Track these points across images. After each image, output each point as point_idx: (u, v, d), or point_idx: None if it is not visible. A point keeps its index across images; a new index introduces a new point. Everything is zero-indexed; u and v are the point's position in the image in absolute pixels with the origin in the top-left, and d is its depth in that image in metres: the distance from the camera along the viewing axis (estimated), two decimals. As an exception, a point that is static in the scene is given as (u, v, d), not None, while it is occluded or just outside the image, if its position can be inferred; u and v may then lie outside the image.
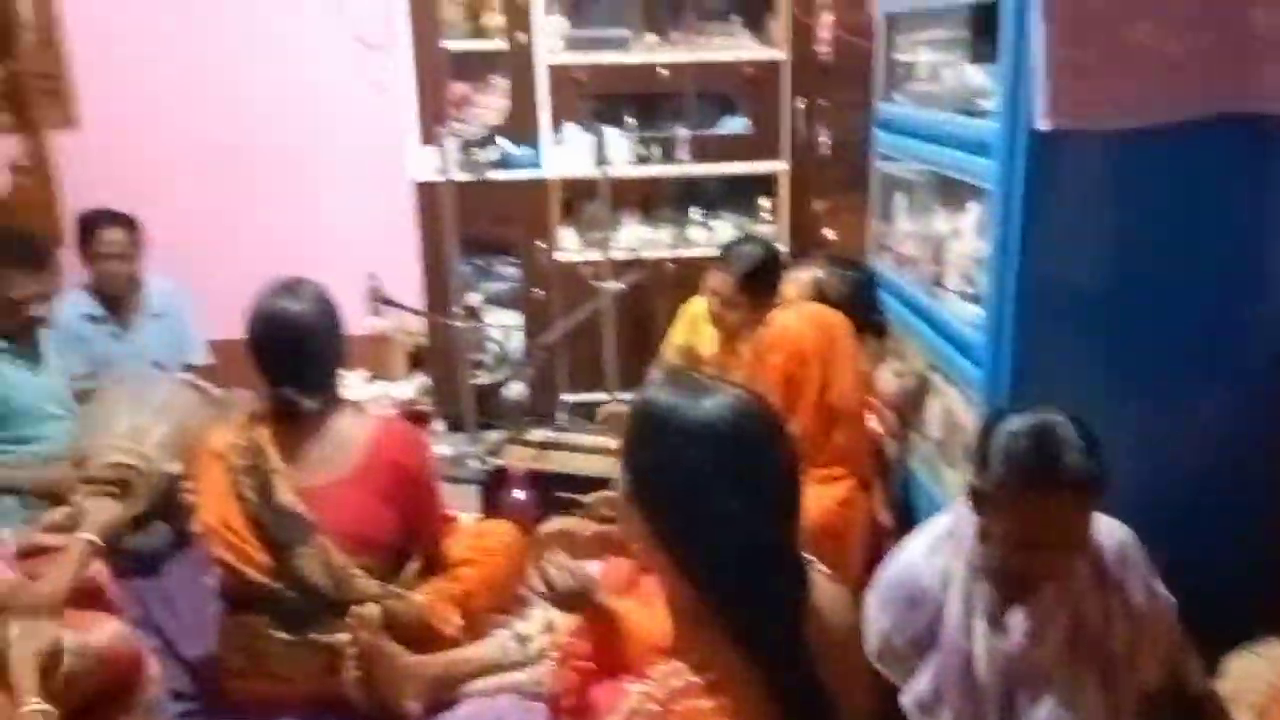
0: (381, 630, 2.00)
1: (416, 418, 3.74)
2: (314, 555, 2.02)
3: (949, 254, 2.43)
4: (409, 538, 2.18)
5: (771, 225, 3.85)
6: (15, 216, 3.75)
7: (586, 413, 3.74)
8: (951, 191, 2.45)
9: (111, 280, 3.27)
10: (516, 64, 3.64)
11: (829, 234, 3.67)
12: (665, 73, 3.66)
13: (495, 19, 3.70)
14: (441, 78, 3.69)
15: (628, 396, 3.43)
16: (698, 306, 3.04)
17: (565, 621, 2.05)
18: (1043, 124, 1.82)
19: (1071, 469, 1.48)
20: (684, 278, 3.57)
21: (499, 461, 3.05)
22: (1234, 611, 1.80)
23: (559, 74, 3.65)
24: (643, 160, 3.76)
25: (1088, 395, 1.71)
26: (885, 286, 2.78)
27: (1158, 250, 1.97)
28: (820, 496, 2.17)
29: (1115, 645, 1.61)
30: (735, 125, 3.82)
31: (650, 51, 3.73)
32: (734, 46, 3.74)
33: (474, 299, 3.94)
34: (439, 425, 3.83)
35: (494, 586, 2.31)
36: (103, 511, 2.10)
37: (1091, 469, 1.48)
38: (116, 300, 3.31)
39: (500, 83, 3.78)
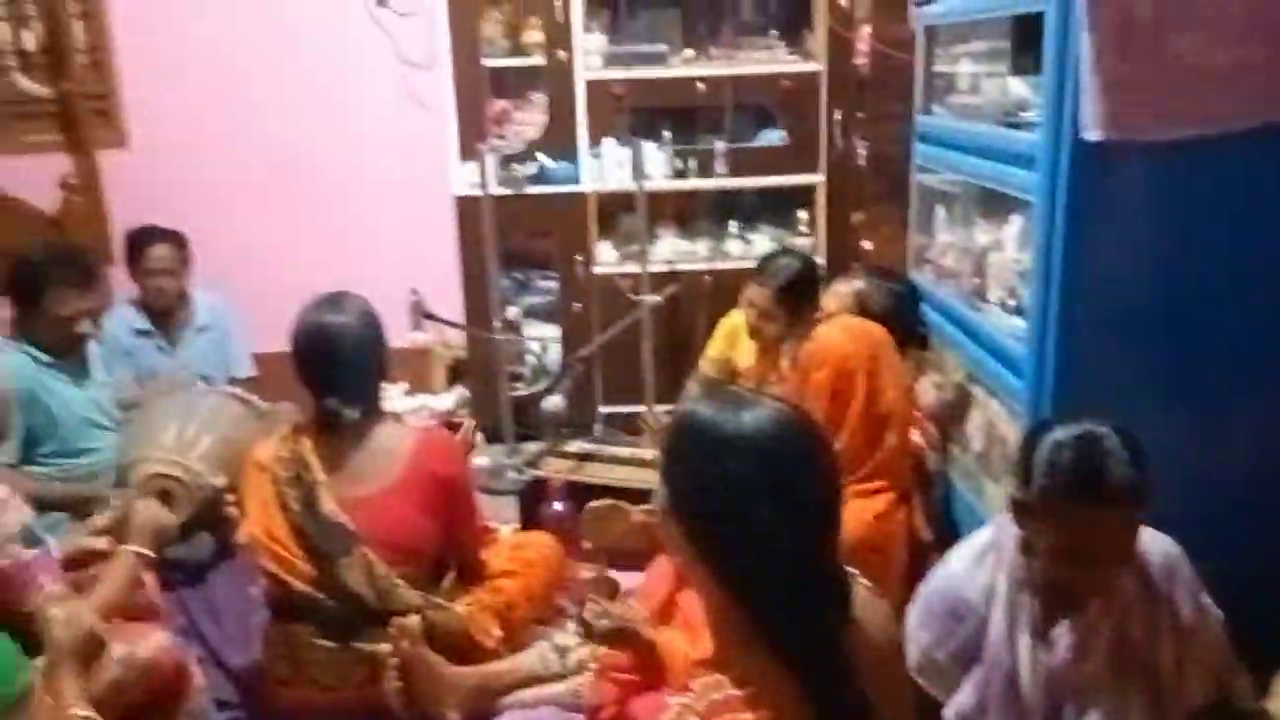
0: (422, 640, 2.01)
1: (455, 429, 3.77)
2: (356, 565, 2.05)
3: (990, 266, 2.42)
4: (448, 548, 2.20)
5: (809, 238, 3.85)
6: (66, 233, 3.84)
7: (624, 425, 3.76)
8: (993, 203, 2.44)
9: (159, 295, 3.34)
10: (555, 80, 3.67)
11: (866, 246, 3.66)
12: (702, 87, 3.67)
13: (534, 36, 3.74)
14: (481, 94, 3.73)
15: (668, 409, 3.44)
16: (735, 319, 3.04)
17: (604, 634, 2.06)
18: (1088, 135, 1.81)
19: (1117, 481, 1.46)
20: (721, 290, 3.57)
21: (537, 473, 3.07)
22: (1285, 628, 1.77)
23: (597, 89, 3.67)
24: (680, 174, 3.77)
25: (1132, 406, 1.69)
26: (925, 299, 2.77)
27: (1202, 261, 1.95)
28: (861, 510, 2.16)
29: (1162, 660, 1.59)
30: (772, 138, 3.82)
31: (688, 66, 3.75)
32: (771, 60, 3.75)
33: (513, 312, 3.97)
34: (478, 437, 3.86)
35: (534, 598, 2.32)
36: (150, 518, 2.13)
37: (1137, 481, 1.46)
38: (164, 315, 3.38)
39: (539, 98, 3.81)
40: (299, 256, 3.95)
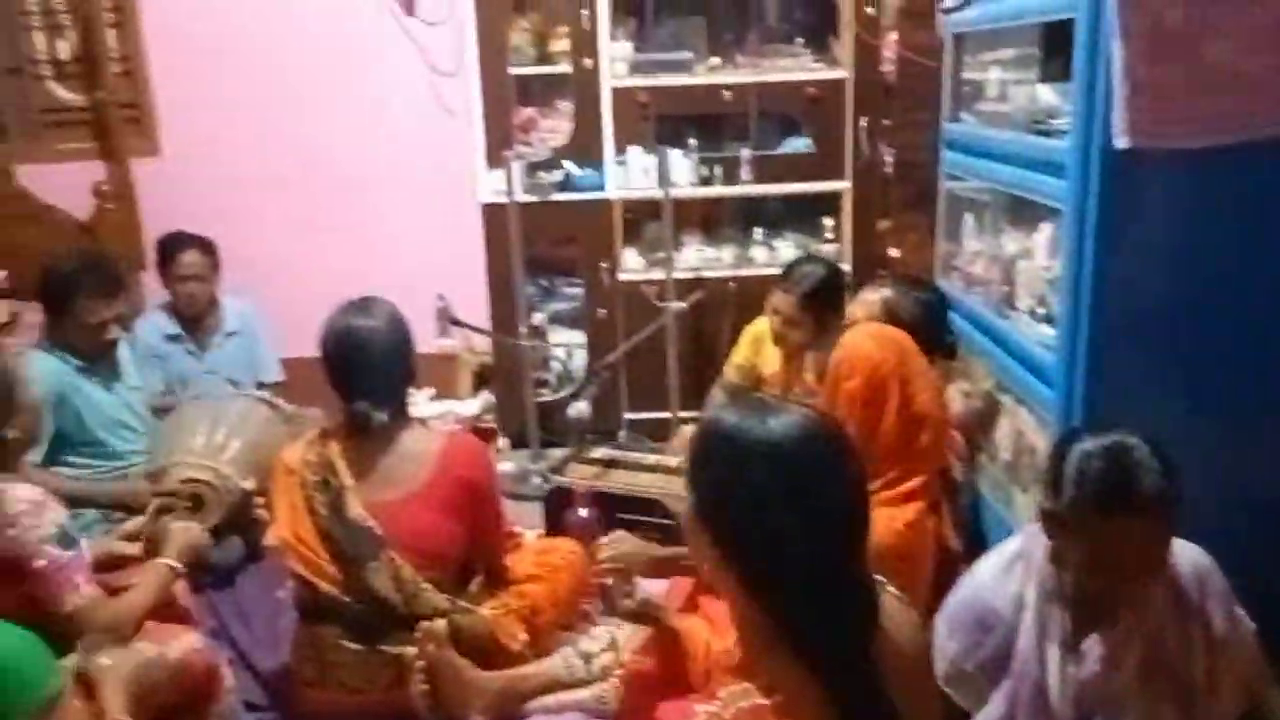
0: (448, 644, 2.02)
1: (481, 435, 3.78)
2: (383, 569, 2.06)
3: (1020, 274, 2.41)
4: (474, 553, 2.21)
5: (834, 244, 3.84)
6: (99, 240, 3.89)
7: (648, 431, 3.76)
8: (1022, 211, 2.43)
9: (189, 301, 3.38)
10: (582, 87, 3.69)
11: (892, 253, 3.64)
12: (728, 94, 3.68)
13: (561, 44, 3.76)
14: (508, 102, 3.75)
15: (692, 415, 3.44)
16: (760, 326, 3.03)
17: (629, 640, 2.06)
18: (1119, 143, 1.80)
19: (1148, 492, 1.44)
20: (746, 297, 3.57)
21: (561, 479, 3.07)
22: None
23: (623, 97, 3.68)
24: (705, 181, 3.77)
25: (1162, 415, 1.68)
26: (953, 307, 2.75)
27: (1234, 268, 1.93)
28: (890, 518, 2.15)
29: (1194, 673, 1.57)
30: (798, 145, 3.81)
31: (713, 73, 3.76)
32: (796, 68, 3.75)
33: (538, 318, 3.99)
34: (502, 442, 3.87)
35: (559, 603, 2.33)
36: (190, 539, 2.16)
37: (1168, 492, 1.45)
38: (194, 320, 3.41)
39: (565, 106, 3.83)
40: (327, 262, 3.99)
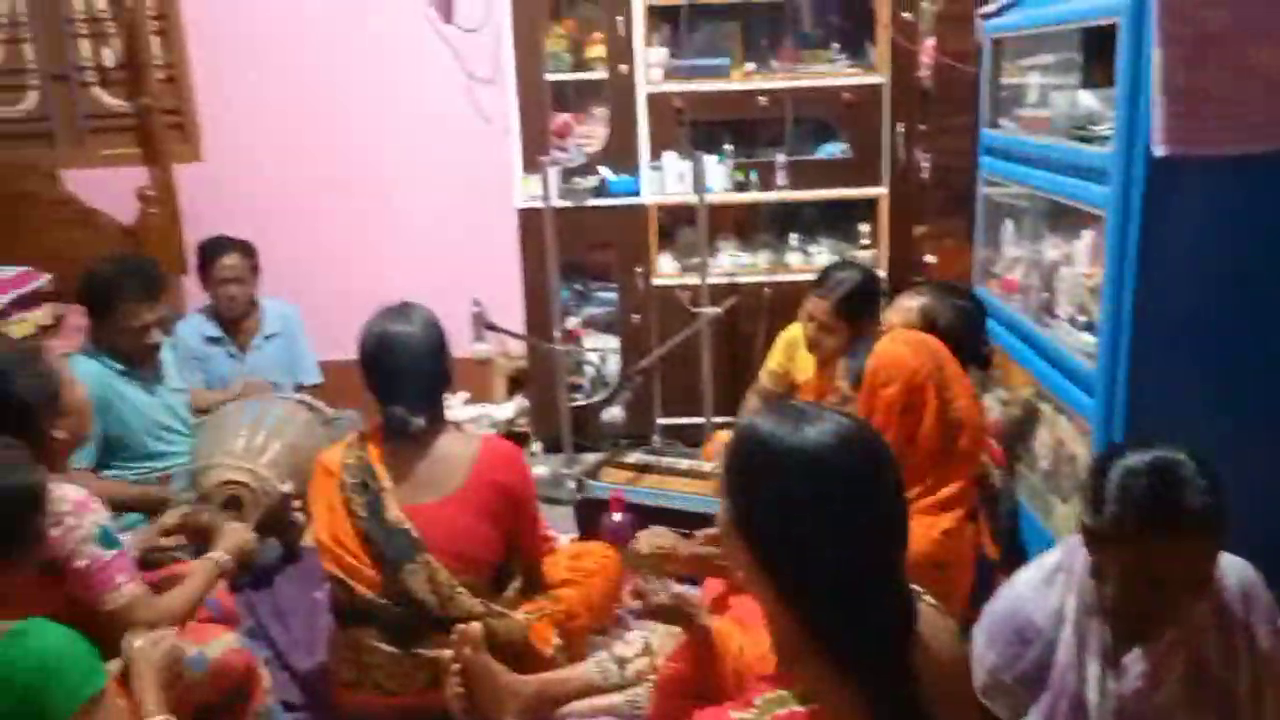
0: (484, 647, 2.03)
1: (515, 439, 3.80)
2: (420, 572, 2.08)
3: (1060, 281, 2.38)
4: (510, 556, 2.22)
5: (870, 250, 3.81)
6: (142, 243, 3.96)
7: (682, 436, 3.76)
8: (1062, 217, 2.40)
9: (230, 303, 3.42)
10: (617, 93, 3.70)
11: (929, 259, 3.62)
12: (763, 100, 3.67)
13: (597, 50, 3.77)
14: (544, 108, 3.77)
15: (725, 421, 3.43)
16: (794, 331, 3.02)
17: (663, 645, 2.06)
18: (1157, 151, 1.78)
19: (1193, 510, 1.40)
20: (781, 303, 3.56)
21: (595, 483, 3.08)
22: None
23: (658, 102, 3.69)
24: (740, 186, 3.77)
25: (1205, 425, 1.66)
26: (991, 314, 2.73)
27: (1279, 277, 1.90)
28: (928, 526, 2.13)
29: (1238, 689, 1.54)
30: (833, 151, 3.80)
31: (748, 79, 3.75)
32: (832, 73, 3.74)
33: (573, 323, 4.01)
34: (536, 447, 3.89)
35: (593, 607, 2.33)
36: (241, 540, 2.18)
37: (1214, 509, 1.41)
38: (234, 322, 3.46)
39: (601, 112, 3.85)
40: (365, 267, 4.04)
